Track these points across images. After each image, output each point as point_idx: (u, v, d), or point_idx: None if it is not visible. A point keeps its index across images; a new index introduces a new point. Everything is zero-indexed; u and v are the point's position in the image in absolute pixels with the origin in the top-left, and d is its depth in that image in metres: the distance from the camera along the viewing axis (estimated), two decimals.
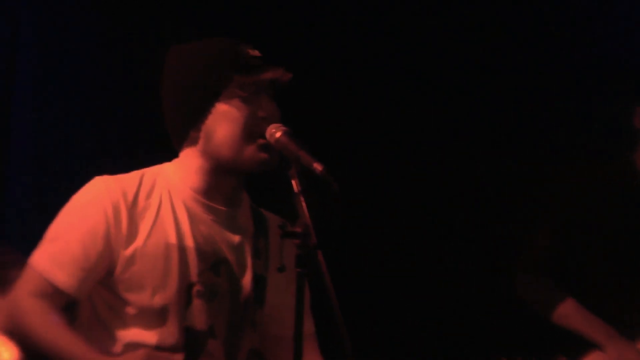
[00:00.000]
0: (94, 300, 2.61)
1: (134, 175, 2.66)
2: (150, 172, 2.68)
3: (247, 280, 2.68)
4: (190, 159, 2.65)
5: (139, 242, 2.56)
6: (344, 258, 4.04)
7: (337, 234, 2.38)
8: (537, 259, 3.62)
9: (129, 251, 2.55)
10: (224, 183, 2.64)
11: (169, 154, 2.72)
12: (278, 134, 2.49)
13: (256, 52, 2.64)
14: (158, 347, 2.55)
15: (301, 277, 2.27)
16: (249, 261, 2.69)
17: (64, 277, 2.54)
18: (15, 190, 4.17)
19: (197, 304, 2.60)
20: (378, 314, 4.65)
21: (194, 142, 2.63)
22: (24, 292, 2.55)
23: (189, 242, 2.61)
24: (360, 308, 4.30)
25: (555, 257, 3.60)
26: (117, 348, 2.56)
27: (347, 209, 2.26)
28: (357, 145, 4.67)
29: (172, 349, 2.56)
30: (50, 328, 2.51)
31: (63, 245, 2.56)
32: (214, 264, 2.64)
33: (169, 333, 2.57)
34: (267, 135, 2.53)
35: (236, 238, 2.69)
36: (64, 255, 2.55)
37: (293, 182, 2.33)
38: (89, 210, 2.56)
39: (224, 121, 2.58)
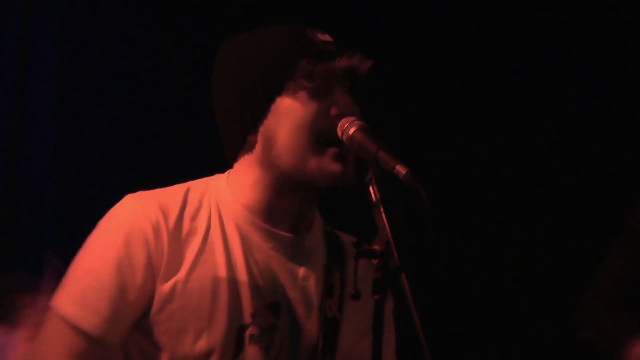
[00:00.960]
0: (127, 351, 2.18)
1: (177, 190, 2.21)
2: (197, 187, 2.23)
3: (313, 323, 2.22)
4: (246, 171, 2.20)
5: (181, 274, 2.12)
6: (433, 282, 3.62)
7: (426, 252, 1.95)
8: (609, 289, 3.21)
9: (167, 285, 2.11)
10: (288, 202, 2.18)
11: (219, 163, 2.28)
12: (352, 130, 2.06)
13: (326, 37, 2.20)
14: None
15: (379, 306, 1.88)
16: (316, 300, 2.23)
17: (97, 321, 2.10)
18: (32, 199, 3.88)
19: (250, 351, 2.15)
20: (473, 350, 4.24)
21: (250, 149, 2.19)
22: (49, 354, 2.11)
23: (242, 275, 2.16)
24: (453, 342, 3.87)
25: (630, 286, 3.18)
26: None
27: (437, 221, 1.84)
28: (441, 145, 4.26)
29: None
30: None
31: (93, 282, 2.11)
32: (272, 303, 2.18)
33: None
34: (339, 131, 2.09)
35: (301, 271, 2.23)
36: (95, 294, 2.10)
37: (371, 189, 1.94)
38: (124, 236, 2.12)
39: (286, 120, 2.13)
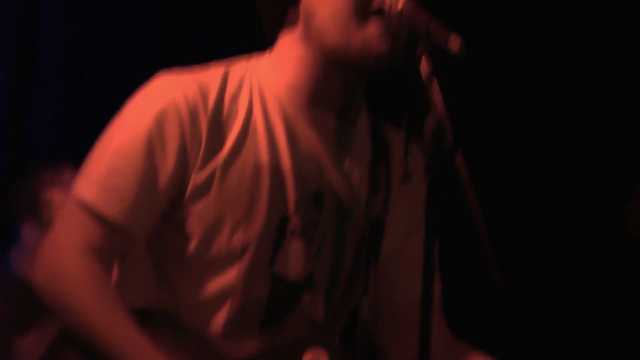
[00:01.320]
0: (154, 246, 2.00)
1: (215, 70, 2.04)
2: (237, 67, 2.06)
3: (359, 219, 2.08)
4: (288, 49, 2.05)
5: (219, 160, 1.96)
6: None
7: (483, 129, 1.82)
8: None
9: (204, 173, 1.95)
10: (334, 82, 2.03)
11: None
12: (401, 2, 1.92)
13: None
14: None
15: (433, 189, 1.71)
16: (362, 194, 2.08)
17: (122, 207, 1.91)
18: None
19: (291, 244, 2.00)
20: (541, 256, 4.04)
21: (291, 26, 2.04)
22: (66, 246, 1.91)
23: (286, 162, 2.00)
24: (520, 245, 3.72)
25: None
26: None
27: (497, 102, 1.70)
28: None
29: (254, 305, 1.99)
30: (105, 313, 1.89)
31: (118, 163, 1.93)
32: (316, 195, 2.03)
33: (250, 284, 1.98)
34: (386, 4, 1.94)
35: (347, 162, 2.08)
36: (120, 177, 1.92)
37: (421, 66, 1.80)
38: (157, 114, 1.94)
39: None
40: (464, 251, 1.92)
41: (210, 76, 2.02)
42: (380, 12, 1.95)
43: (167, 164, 1.94)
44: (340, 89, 2.04)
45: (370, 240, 2.08)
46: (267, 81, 2.04)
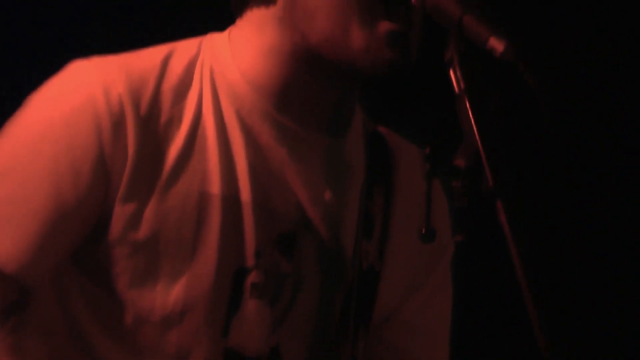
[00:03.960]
0: (62, 297, 1.59)
1: (153, 54, 1.58)
2: (184, 52, 1.60)
3: (346, 269, 1.67)
4: (257, 31, 1.60)
5: (152, 185, 1.53)
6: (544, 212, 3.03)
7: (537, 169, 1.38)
8: None
9: (133, 202, 1.51)
10: (314, 86, 1.59)
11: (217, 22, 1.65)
12: None
13: None
14: None
15: (462, 253, 1.42)
16: (349, 237, 1.66)
17: (12, 248, 1.50)
18: None
19: (250, 307, 1.58)
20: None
21: (267, 1, 1.59)
22: None
23: (244, 191, 1.57)
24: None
25: None
26: None
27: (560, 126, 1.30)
28: None
29: None
30: None
31: (9, 186, 1.52)
32: (284, 235, 1.59)
33: (196, 358, 1.57)
34: None
35: (330, 192, 1.64)
36: (9, 206, 1.51)
37: (451, 72, 1.35)
38: (64, 119, 1.50)
39: None
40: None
41: (144, 63, 1.56)
42: (393, 3, 1.52)
43: (78, 189, 1.50)
44: (323, 94, 1.61)
45: (360, 298, 1.67)
46: (224, 74, 1.59)
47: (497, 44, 1.32)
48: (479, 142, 1.31)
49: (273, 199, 1.59)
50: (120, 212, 1.51)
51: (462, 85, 1.35)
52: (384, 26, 1.52)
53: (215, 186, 1.55)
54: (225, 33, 1.64)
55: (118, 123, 1.50)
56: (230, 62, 1.59)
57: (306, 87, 1.58)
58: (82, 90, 1.51)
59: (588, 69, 3.62)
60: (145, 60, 1.56)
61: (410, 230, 1.66)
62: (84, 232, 1.53)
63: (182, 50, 1.60)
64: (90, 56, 1.56)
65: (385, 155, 1.74)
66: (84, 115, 1.49)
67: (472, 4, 1.38)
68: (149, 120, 1.52)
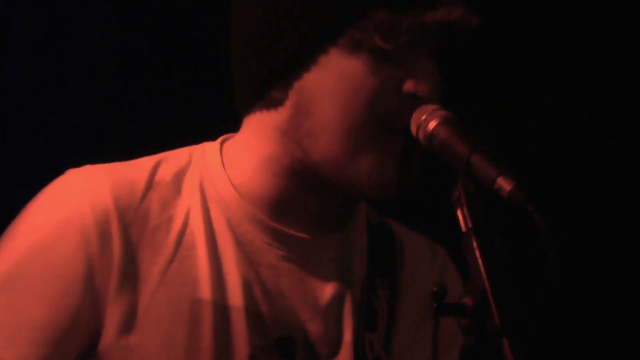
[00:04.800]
0: None
1: (142, 165, 1.60)
2: (174, 161, 1.62)
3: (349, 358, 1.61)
4: (255, 141, 1.60)
5: (142, 293, 1.52)
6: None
7: (544, 308, 1.36)
8: None
9: (121, 311, 1.50)
10: (311, 199, 1.59)
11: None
12: (432, 124, 1.45)
13: None
14: None
15: None
16: (349, 333, 1.62)
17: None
18: None
19: None
20: None
21: (271, 110, 1.57)
22: None
23: (236, 297, 1.56)
24: None
25: None
26: None
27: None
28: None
29: None
30: None
31: (11, 305, 1.50)
32: (282, 340, 1.56)
33: None
34: (413, 126, 1.48)
35: (329, 290, 1.61)
36: (10, 325, 1.49)
37: (458, 212, 1.35)
38: (57, 237, 1.51)
39: (337, 85, 1.52)
40: None
41: (133, 173, 1.57)
42: (405, 132, 1.50)
43: (70, 311, 1.49)
44: (318, 204, 1.59)
45: None
46: (215, 184, 1.59)
47: (505, 184, 1.31)
48: (486, 281, 1.29)
49: (265, 304, 1.57)
50: (112, 318, 1.50)
51: (470, 225, 1.34)
52: (395, 148, 1.52)
53: (206, 293, 1.53)
54: (217, 143, 1.64)
55: (104, 238, 1.50)
56: (221, 173, 1.59)
57: (302, 199, 1.58)
58: (71, 204, 1.52)
59: (594, 209, 3.63)
60: (134, 169, 1.57)
61: (417, 319, 1.67)
62: (80, 345, 1.51)
63: (172, 159, 1.61)
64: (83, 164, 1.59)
65: (391, 245, 1.72)
66: (73, 229, 1.50)
67: (480, 144, 1.38)
68: (136, 229, 1.52)
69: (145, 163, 1.58)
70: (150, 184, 1.55)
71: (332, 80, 1.51)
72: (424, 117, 1.46)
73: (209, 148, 1.62)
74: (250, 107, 1.60)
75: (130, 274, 1.50)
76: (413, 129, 1.48)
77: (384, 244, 1.71)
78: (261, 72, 1.56)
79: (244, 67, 1.59)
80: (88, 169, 1.55)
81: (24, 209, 1.57)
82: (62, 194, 1.54)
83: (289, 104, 1.54)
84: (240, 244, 1.56)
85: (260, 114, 1.59)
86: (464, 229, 1.35)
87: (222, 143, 1.63)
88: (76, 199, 1.51)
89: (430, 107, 1.47)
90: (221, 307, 1.54)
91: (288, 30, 1.53)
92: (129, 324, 1.51)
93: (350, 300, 1.63)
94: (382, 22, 1.50)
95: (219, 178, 1.59)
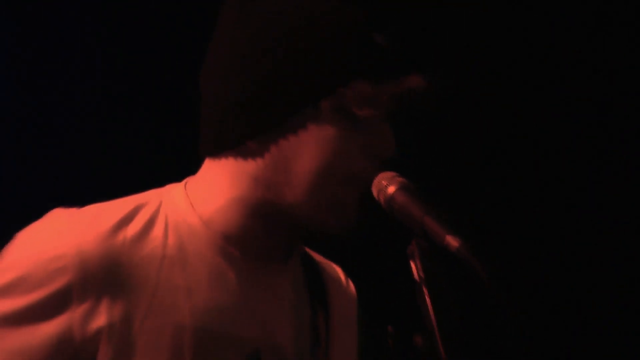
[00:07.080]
0: None
1: (120, 206, 1.66)
2: (147, 202, 1.69)
3: None
4: (223, 182, 1.67)
5: (130, 325, 1.59)
6: None
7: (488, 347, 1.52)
8: None
9: (112, 343, 1.57)
10: (277, 235, 1.70)
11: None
12: (392, 189, 1.59)
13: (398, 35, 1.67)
14: None
15: None
16: (307, 348, 1.74)
17: None
18: None
19: None
20: None
21: (243, 157, 1.65)
22: None
23: (213, 320, 1.64)
24: None
25: None
26: None
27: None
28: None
29: None
30: None
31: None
32: (252, 355, 1.65)
33: None
34: (374, 189, 1.63)
35: (290, 311, 1.74)
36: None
37: (412, 264, 1.50)
38: (37, 297, 1.56)
39: (318, 145, 1.61)
40: None
41: (113, 213, 1.64)
42: (365, 186, 1.65)
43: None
44: (284, 240, 1.72)
45: None
46: (185, 222, 1.67)
47: (452, 242, 1.45)
48: (435, 324, 1.43)
49: (236, 323, 1.65)
50: (106, 352, 1.56)
51: (422, 276, 1.48)
52: (357, 194, 1.64)
53: (185, 318, 1.60)
54: (182, 184, 1.72)
55: (86, 279, 1.55)
56: (191, 211, 1.67)
57: (266, 235, 1.68)
58: (54, 247, 1.57)
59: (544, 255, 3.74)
60: (112, 211, 1.62)
61: (345, 336, 1.85)
62: None
63: (146, 202, 1.67)
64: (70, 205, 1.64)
65: (318, 272, 1.84)
66: (55, 295, 1.55)
67: (432, 207, 1.53)
68: (120, 268, 1.58)
69: (123, 205, 1.65)
70: (130, 220, 1.62)
71: (312, 140, 1.60)
72: (384, 183, 1.60)
73: (176, 191, 1.70)
74: (219, 152, 1.67)
75: (112, 309, 1.57)
76: (374, 192, 1.62)
77: (313, 271, 1.84)
78: (240, 126, 1.63)
79: (221, 118, 1.65)
80: (72, 212, 1.62)
81: (9, 244, 1.61)
82: (45, 238, 1.59)
83: (265, 155, 1.63)
84: (212, 272, 1.64)
85: (231, 159, 1.66)
86: (417, 277, 1.49)
87: (185, 185, 1.72)
88: (61, 239, 1.57)
89: (390, 174, 1.61)
90: (200, 331, 1.61)
91: (275, 92, 1.60)
92: (120, 351, 1.57)
93: (308, 319, 1.76)
94: (363, 92, 1.61)
95: (190, 215, 1.67)
